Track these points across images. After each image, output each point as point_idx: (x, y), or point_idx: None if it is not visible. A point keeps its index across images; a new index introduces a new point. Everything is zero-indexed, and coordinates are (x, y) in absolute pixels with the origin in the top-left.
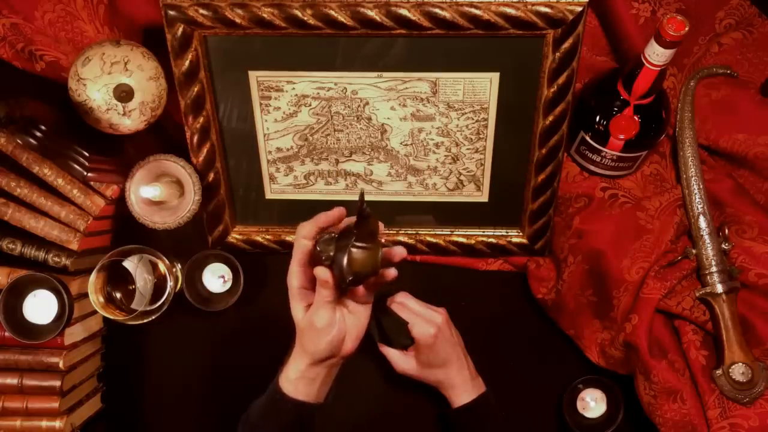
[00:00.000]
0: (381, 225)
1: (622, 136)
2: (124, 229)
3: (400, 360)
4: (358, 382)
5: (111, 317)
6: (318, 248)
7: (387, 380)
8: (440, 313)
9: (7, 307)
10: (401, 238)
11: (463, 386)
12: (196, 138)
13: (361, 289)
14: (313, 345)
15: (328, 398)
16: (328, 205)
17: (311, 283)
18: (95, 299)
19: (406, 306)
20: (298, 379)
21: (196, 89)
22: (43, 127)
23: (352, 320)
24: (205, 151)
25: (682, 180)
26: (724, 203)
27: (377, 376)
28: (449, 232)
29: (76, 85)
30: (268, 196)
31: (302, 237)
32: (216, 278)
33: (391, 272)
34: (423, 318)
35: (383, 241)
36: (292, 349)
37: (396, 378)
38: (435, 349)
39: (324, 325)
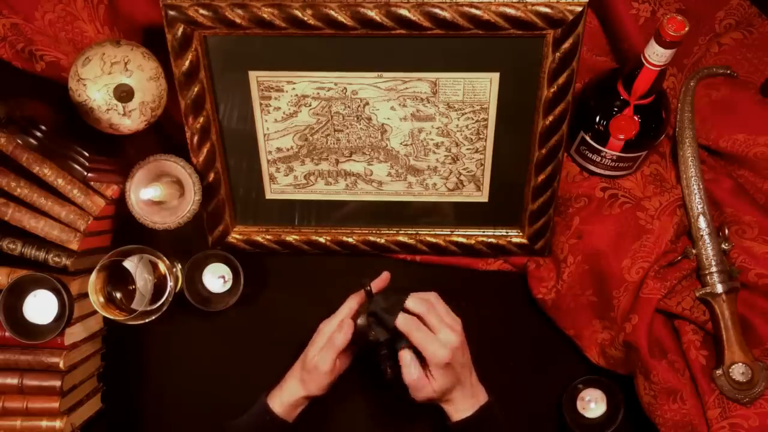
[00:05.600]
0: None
1: (622, 136)
2: (124, 229)
3: (416, 372)
4: (355, 390)
5: (111, 317)
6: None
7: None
8: (456, 332)
9: (7, 307)
10: (401, 238)
11: (462, 402)
12: (196, 138)
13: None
14: (313, 384)
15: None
16: (328, 205)
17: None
18: (95, 299)
19: (427, 318)
20: (291, 405)
21: (196, 89)
22: (43, 127)
23: (340, 364)
24: (205, 151)
25: (682, 180)
26: (724, 203)
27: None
28: (449, 232)
29: (76, 85)
30: (268, 196)
31: (353, 302)
32: (216, 278)
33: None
34: (437, 340)
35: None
36: (289, 376)
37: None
38: (446, 374)
39: (327, 369)
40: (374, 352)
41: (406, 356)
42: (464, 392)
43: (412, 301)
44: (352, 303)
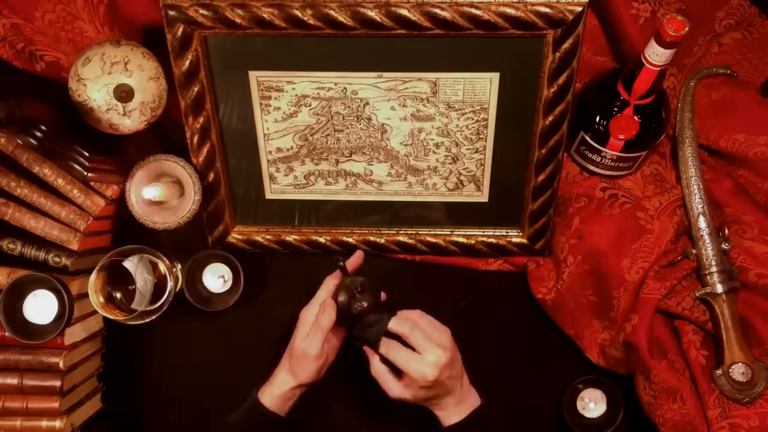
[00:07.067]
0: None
1: (622, 136)
2: (124, 229)
3: (396, 387)
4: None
5: (111, 317)
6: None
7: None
8: (444, 348)
9: (7, 307)
10: (401, 238)
11: (452, 407)
12: (196, 138)
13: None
14: (303, 371)
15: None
16: (328, 205)
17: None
18: (95, 299)
19: (410, 339)
20: (281, 396)
21: (196, 89)
22: (43, 127)
23: (329, 350)
24: (205, 151)
25: (682, 180)
26: (724, 203)
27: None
28: (449, 232)
29: (76, 85)
30: (268, 196)
31: (329, 284)
32: (216, 278)
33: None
34: (422, 360)
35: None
36: (278, 368)
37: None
38: (433, 388)
39: (316, 353)
40: (357, 339)
41: (377, 373)
42: (454, 399)
43: (394, 322)
44: (328, 285)
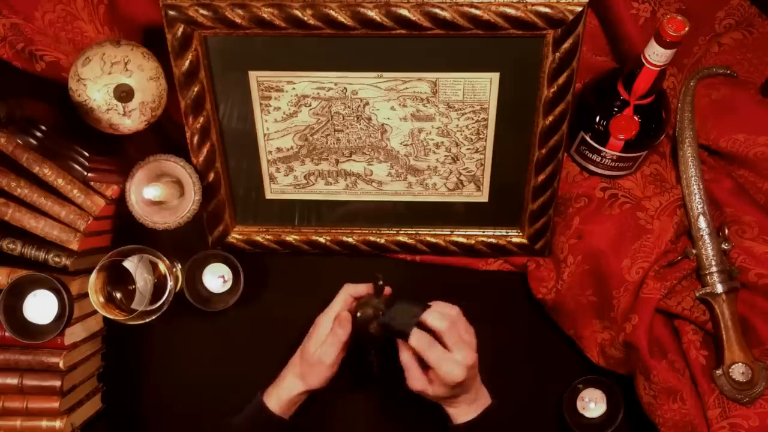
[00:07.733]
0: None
1: (622, 136)
2: (124, 229)
3: (420, 381)
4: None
5: (111, 317)
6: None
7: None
8: (473, 349)
9: (7, 307)
10: (401, 238)
11: (465, 405)
12: (196, 138)
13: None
14: (314, 377)
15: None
16: (328, 205)
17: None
18: (95, 299)
19: (445, 336)
20: (288, 401)
21: (196, 89)
22: (43, 127)
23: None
24: (205, 151)
25: (682, 180)
26: (724, 203)
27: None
28: (449, 232)
29: (77, 85)
30: (268, 196)
31: (348, 293)
32: (216, 278)
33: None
34: (453, 360)
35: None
36: (287, 372)
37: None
38: (456, 387)
39: (331, 362)
40: (366, 349)
41: (407, 362)
42: (469, 397)
43: (434, 317)
44: (345, 294)
